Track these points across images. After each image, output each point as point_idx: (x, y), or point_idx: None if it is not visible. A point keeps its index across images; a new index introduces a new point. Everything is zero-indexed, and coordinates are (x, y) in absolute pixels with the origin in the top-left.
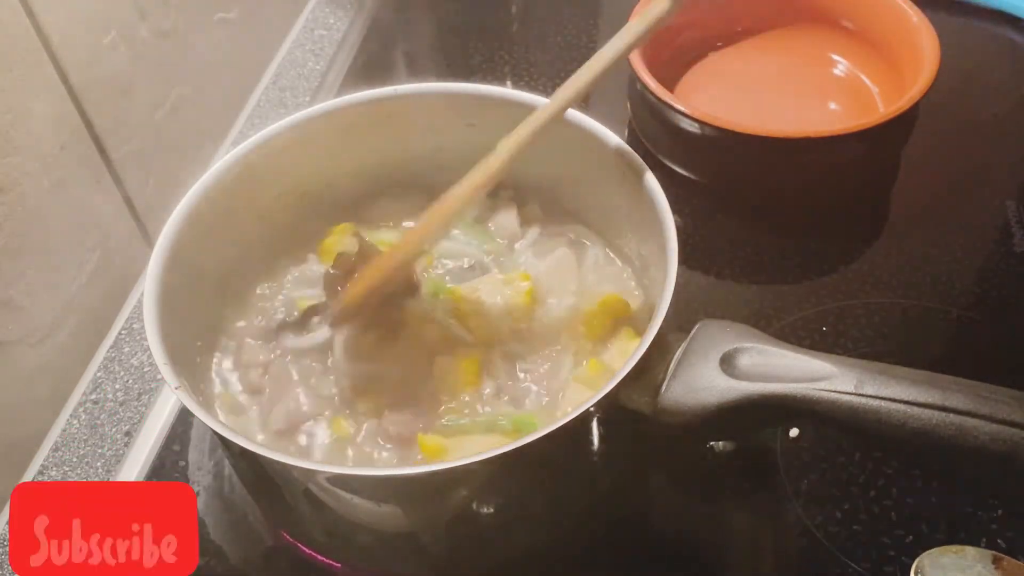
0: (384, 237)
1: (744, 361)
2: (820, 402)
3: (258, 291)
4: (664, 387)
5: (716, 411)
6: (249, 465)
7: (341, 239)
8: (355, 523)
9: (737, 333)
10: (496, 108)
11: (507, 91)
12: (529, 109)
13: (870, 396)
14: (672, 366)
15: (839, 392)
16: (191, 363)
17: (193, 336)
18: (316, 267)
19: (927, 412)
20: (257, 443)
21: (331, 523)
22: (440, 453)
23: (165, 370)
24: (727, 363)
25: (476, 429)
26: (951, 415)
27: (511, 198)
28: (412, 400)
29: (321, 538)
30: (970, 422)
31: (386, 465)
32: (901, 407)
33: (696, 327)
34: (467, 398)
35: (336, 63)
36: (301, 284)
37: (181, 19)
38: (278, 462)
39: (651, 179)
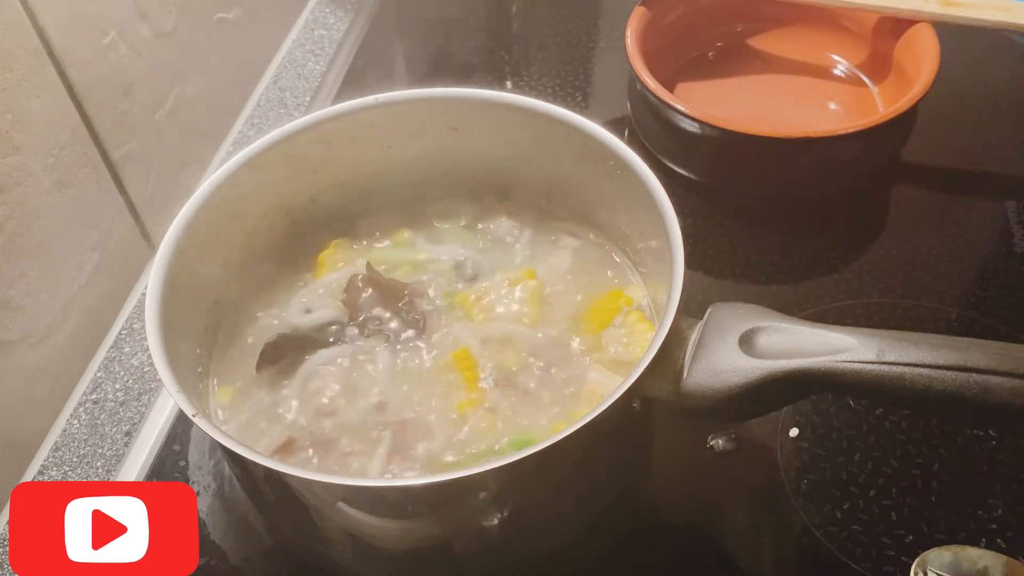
0: (379, 250)
1: (763, 340)
2: (845, 374)
3: (254, 307)
4: (686, 373)
5: (742, 391)
6: (243, 471)
7: (335, 253)
8: (358, 534)
9: (752, 313)
10: (477, 111)
11: (488, 93)
12: (511, 110)
13: (893, 363)
14: (689, 351)
15: (862, 362)
16: (191, 373)
17: (192, 345)
18: (311, 283)
19: (951, 374)
20: (255, 451)
21: (328, 530)
22: None
23: (172, 387)
24: (746, 343)
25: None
26: (974, 375)
27: (505, 198)
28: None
29: (320, 548)
30: (993, 380)
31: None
32: (925, 371)
33: (708, 311)
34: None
35: (336, 63)
36: (297, 301)
37: (181, 19)
38: (277, 472)
39: (651, 176)
